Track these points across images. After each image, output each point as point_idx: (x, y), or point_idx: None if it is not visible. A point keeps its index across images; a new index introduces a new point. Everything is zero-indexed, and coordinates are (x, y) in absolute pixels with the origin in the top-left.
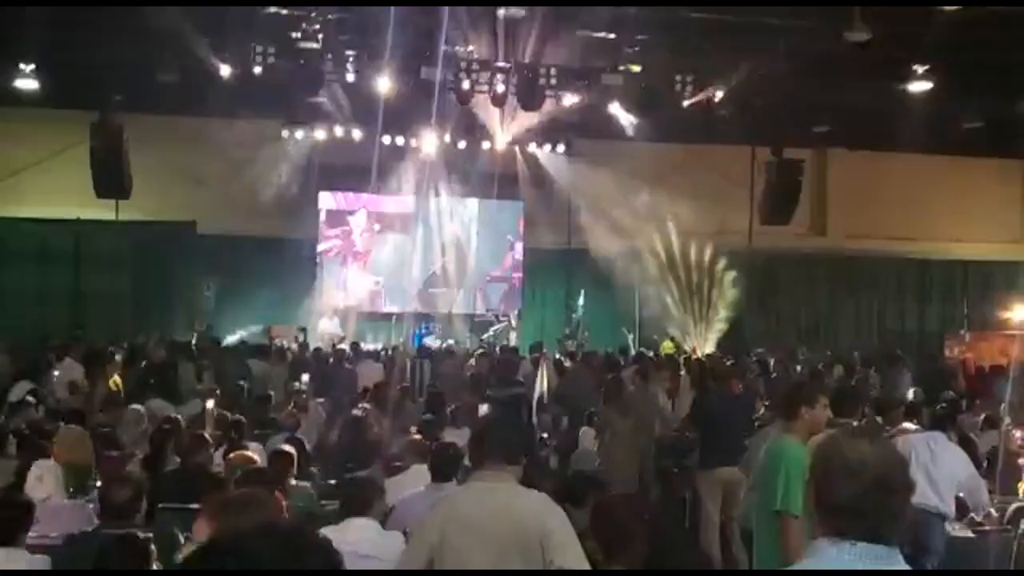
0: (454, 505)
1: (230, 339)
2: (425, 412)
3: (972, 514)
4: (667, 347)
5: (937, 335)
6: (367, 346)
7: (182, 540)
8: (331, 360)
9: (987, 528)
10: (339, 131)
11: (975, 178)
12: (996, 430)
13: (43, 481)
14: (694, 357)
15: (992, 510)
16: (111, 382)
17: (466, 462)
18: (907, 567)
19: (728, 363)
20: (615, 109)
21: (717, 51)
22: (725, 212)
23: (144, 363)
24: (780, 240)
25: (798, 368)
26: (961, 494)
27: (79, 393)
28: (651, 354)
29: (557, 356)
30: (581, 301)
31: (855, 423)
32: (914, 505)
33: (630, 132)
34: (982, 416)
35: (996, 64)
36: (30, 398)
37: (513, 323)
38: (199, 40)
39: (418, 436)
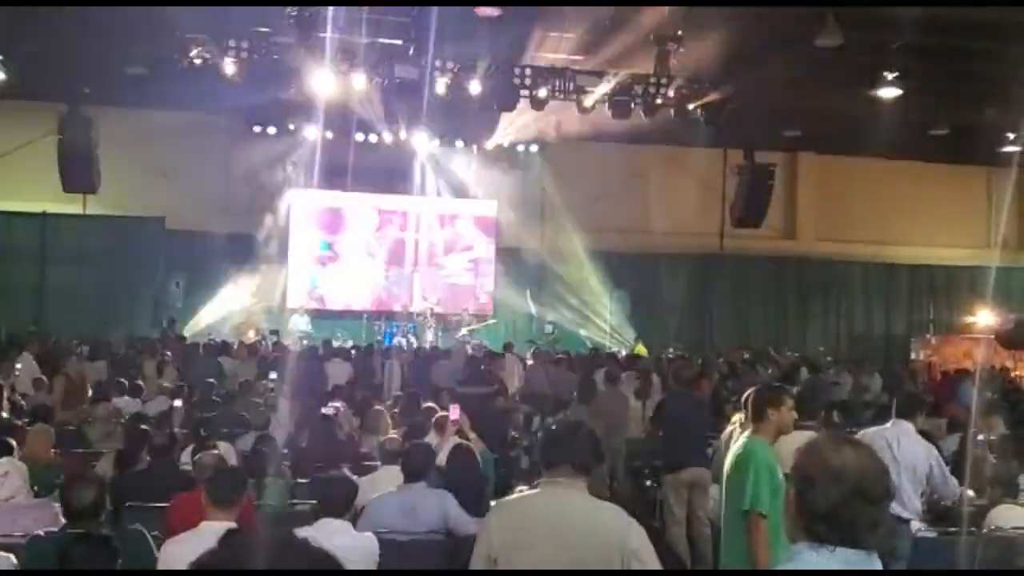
0: (524, 507)
1: (197, 335)
2: (402, 414)
3: (945, 500)
4: (640, 349)
5: (903, 338)
6: (337, 344)
7: (150, 539)
8: (301, 358)
9: (953, 529)
10: (312, 128)
11: (942, 184)
12: (960, 433)
13: (8, 479)
14: (664, 359)
15: (971, 491)
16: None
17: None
18: (883, 569)
19: (696, 365)
20: (589, 110)
21: (690, 54)
22: (697, 215)
23: (108, 359)
24: (751, 243)
25: (768, 370)
26: (934, 495)
27: (43, 389)
28: (622, 355)
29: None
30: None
31: (818, 425)
32: None
33: (604, 134)
34: (946, 419)
35: (963, 72)
36: None
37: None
38: (171, 34)
39: (393, 436)
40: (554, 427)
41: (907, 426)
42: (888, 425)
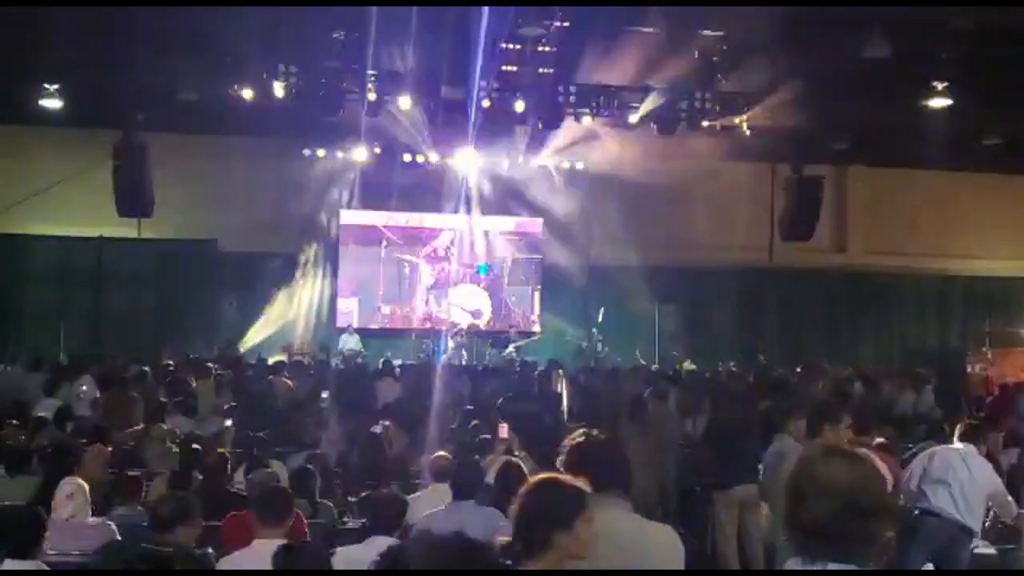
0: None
1: (250, 356)
2: (454, 431)
3: (1006, 520)
4: (687, 366)
5: (959, 352)
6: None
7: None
8: (351, 377)
9: (1010, 547)
10: (360, 150)
11: (995, 194)
12: (1018, 447)
13: (73, 498)
14: (712, 375)
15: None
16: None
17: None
18: None
19: (747, 381)
20: (635, 127)
21: (737, 68)
22: (746, 229)
23: (166, 381)
24: (801, 257)
25: (820, 385)
26: (993, 510)
27: (101, 410)
28: (670, 372)
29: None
30: (600, 318)
31: (876, 440)
32: (948, 519)
33: (650, 150)
34: (1003, 434)
35: (1014, 80)
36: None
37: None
38: (221, 60)
39: (443, 454)
40: (594, 447)
41: (972, 448)
42: (954, 446)
